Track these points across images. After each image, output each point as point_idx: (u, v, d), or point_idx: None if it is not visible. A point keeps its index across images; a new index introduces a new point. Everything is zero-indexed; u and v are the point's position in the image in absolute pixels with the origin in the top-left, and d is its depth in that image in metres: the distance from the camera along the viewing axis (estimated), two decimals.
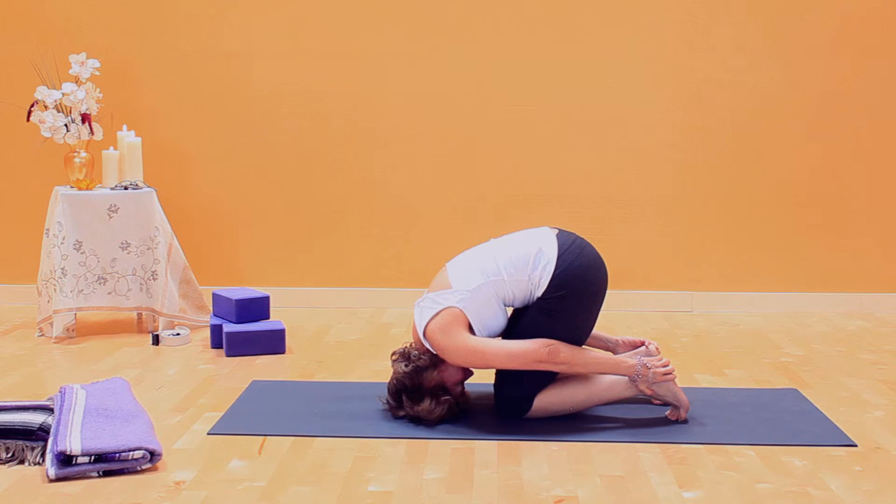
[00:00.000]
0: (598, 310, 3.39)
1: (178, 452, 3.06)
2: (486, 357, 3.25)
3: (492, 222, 5.09)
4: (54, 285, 4.44)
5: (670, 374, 3.33)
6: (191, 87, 5.13)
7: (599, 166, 5.12)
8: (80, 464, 2.84)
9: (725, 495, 2.76)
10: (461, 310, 3.26)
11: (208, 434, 3.23)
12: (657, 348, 3.44)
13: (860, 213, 5.12)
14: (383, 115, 5.12)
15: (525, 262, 3.29)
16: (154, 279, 4.57)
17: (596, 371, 3.32)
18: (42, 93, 4.54)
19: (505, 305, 3.35)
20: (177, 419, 3.37)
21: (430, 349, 3.31)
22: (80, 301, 4.52)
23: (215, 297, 4.46)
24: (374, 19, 5.06)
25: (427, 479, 2.87)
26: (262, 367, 4.06)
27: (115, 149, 4.70)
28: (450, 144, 5.13)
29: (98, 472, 2.86)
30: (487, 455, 3.05)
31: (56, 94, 4.54)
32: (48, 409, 3.13)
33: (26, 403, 3.18)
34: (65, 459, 2.85)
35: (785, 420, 3.38)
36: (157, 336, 4.42)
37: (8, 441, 2.98)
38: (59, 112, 4.56)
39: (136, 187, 4.61)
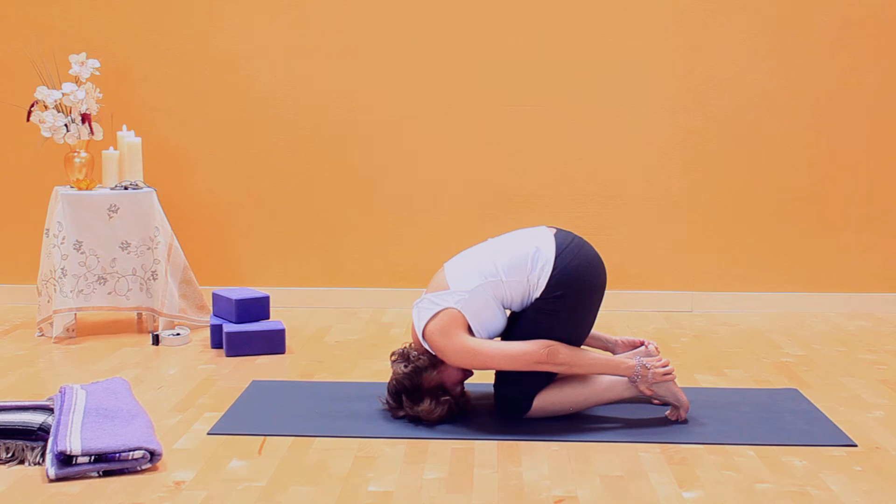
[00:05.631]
0: (597, 309, 3.39)
1: (178, 452, 3.06)
2: (484, 358, 3.25)
3: (491, 222, 5.09)
4: (54, 285, 4.44)
5: (670, 374, 3.33)
6: (191, 87, 5.13)
7: (599, 166, 5.12)
8: (80, 464, 2.84)
9: (725, 495, 2.76)
10: (459, 311, 3.26)
11: (208, 434, 3.23)
12: (657, 348, 3.44)
13: (860, 213, 5.12)
14: (383, 115, 5.13)
15: (523, 263, 3.29)
16: (154, 279, 4.57)
17: (595, 372, 3.32)
18: (42, 93, 4.54)
19: (504, 307, 3.34)
20: (177, 419, 3.38)
21: (430, 350, 3.31)
22: (80, 301, 4.52)
23: (215, 297, 4.46)
24: (373, 19, 5.06)
25: (427, 479, 2.87)
26: (262, 367, 4.06)
27: (115, 149, 4.71)
28: (449, 144, 5.13)
29: (98, 472, 2.86)
30: (487, 455, 3.05)
31: (56, 94, 4.54)
32: (48, 409, 3.14)
33: (26, 403, 3.18)
34: (65, 459, 2.85)
35: (785, 420, 3.38)
36: (157, 336, 4.42)
37: (8, 441, 2.98)
38: (59, 112, 4.56)
39: (136, 187, 4.61)
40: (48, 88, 4.57)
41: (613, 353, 3.55)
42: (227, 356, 4.21)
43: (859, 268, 5.15)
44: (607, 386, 3.36)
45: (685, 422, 3.35)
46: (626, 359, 3.34)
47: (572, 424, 3.30)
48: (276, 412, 3.45)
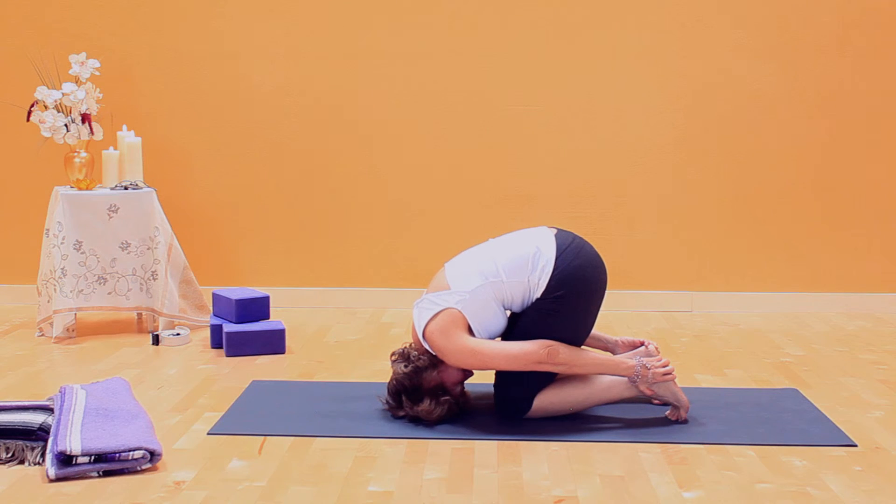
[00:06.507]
0: (598, 310, 3.39)
1: (178, 452, 3.06)
2: (485, 358, 3.25)
3: (491, 222, 5.09)
4: (54, 285, 4.44)
5: (670, 374, 3.33)
6: (191, 87, 5.13)
7: (599, 166, 5.12)
8: (80, 464, 2.84)
9: (725, 495, 2.76)
10: (460, 311, 3.26)
11: (208, 434, 3.23)
12: (656, 348, 3.44)
13: (860, 213, 5.12)
14: (383, 115, 5.13)
15: (524, 264, 3.29)
16: (154, 279, 4.57)
17: (595, 372, 3.32)
18: (42, 93, 4.54)
19: (504, 308, 3.34)
20: (177, 419, 3.38)
21: (430, 350, 3.31)
22: (80, 301, 4.52)
23: (215, 297, 4.46)
24: (373, 19, 5.06)
25: (427, 479, 2.87)
26: (262, 367, 4.06)
27: (115, 149, 4.71)
28: (449, 144, 5.13)
29: (98, 472, 2.86)
30: (487, 455, 3.05)
31: (56, 94, 4.54)
32: (48, 409, 3.13)
33: (26, 403, 3.18)
34: (65, 459, 2.85)
35: (785, 420, 3.38)
36: (157, 336, 4.42)
37: (8, 441, 2.98)
38: (59, 112, 4.56)
39: (136, 187, 4.61)
40: (48, 88, 4.57)
41: (613, 353, 3.55)
42: (227, 356, 4.21)
43: (859, 268, 5.15)
44: (607, 386, 3.36)
45: (685, 422, 3.35)
46: (626, 359, 3.34)
47: (572, 424, 3.30)
48: (276, 412, 3.45)
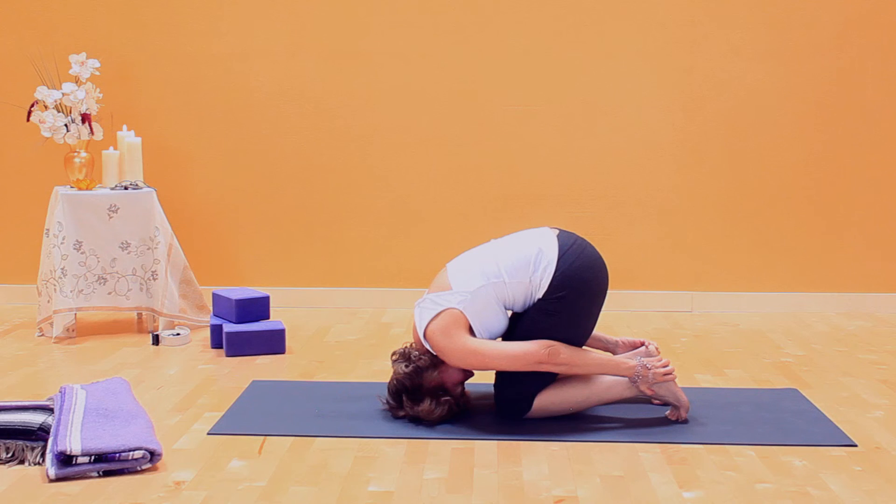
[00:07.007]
0: (599, 311, 3.39)
1: (178, 452, 3.06)
2: (486, 358, 3.25)
3: (492, 222, 5.09)
4: (54, 285, 4.44)
5: (670, 374, 3.33)
6: (191, 87, 5.13)
7: (599, 166, 5.12)
8: (80, 464, 2.85)
9: (725, 495, 2.76)
10: (461, 311, 3.26)
11: (208, 434, 3.23)
12: (657, 349, 3.45)
13: (860, 214, 5.12)
14: (383, 116, 5.13)
15: (526, 265, 3.29)
16: (154, 279, 4.57)
17: (596, 372, 3.32)
18: (42, 93, 4.54)
19: (505, 308, 3.34)
20: (177, 419, 3.38)
21: (431, 350, 3.31)
22: (80, 301, 4.52)
23: (215, 297, 4.46)
24: (373, 19, 5.06)
25: (427, 479, 2.87)
26: (262, 367, 4.06)
27: (115, 149, 4.71)
28: (450, 144, 5.13)
29: (98, 472, 2.86)
30: (487, 455, 3.05)
31: (56, 94, 4.54)
32: (48, 409, 3.14)
33: (26, 403, 3.18)
34: (65, 459, 2.85)
35: (785, 420, 3.38)
36: (157, 336, 4.42)
37: (8, 441, 2.98)
38: (59, 112, 4.56)
39: (136, 187, 4.61)
40: (48, 88, 4.57)
41: (614, 353, 3.55)
42: (227, 356, 4.21)
43: (859, 268, 5.15)
44: (608, 386, 3.36)
45: (685, 422, 3.35)
46: (627, 359, 3.34)
47: (572, 424, 3.30)
48: (276, 412, 3.45)
